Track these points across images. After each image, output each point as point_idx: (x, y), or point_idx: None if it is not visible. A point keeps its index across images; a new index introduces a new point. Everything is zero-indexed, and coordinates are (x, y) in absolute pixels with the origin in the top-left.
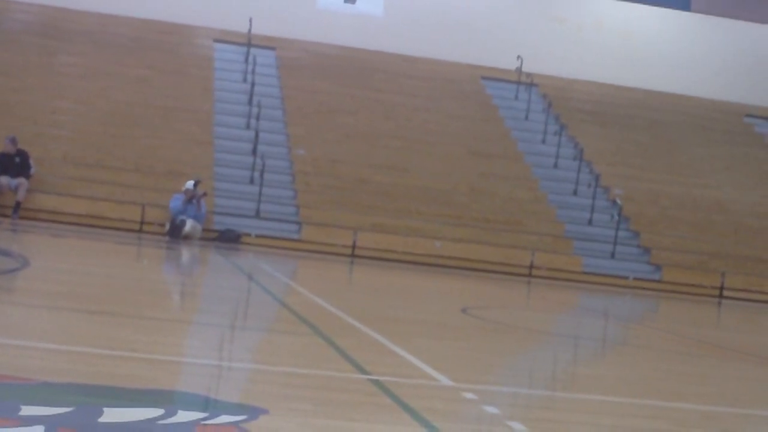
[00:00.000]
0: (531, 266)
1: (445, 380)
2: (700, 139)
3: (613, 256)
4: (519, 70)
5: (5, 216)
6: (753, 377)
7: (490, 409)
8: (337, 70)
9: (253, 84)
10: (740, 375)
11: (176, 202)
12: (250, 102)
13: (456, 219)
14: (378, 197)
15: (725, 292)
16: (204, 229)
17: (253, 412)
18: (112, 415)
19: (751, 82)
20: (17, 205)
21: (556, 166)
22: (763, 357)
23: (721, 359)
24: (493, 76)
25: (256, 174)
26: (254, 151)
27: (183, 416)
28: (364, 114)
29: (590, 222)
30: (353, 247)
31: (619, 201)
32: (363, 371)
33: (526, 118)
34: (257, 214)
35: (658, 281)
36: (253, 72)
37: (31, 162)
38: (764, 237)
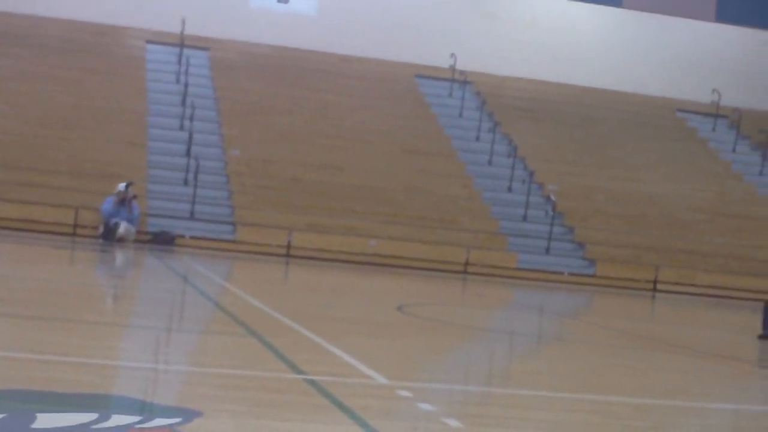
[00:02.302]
0: (466, 263)
1: (380, 378)
2: (633, 135)
3: (547, 251)
4: (453, 68)
5: None
6: (685, 369)
7: (425, 407)
8: (271, 69)
9: (186, 85)
10: (673, 367)
11: (108, 204)
12: (183, 103)
13: (391, 217)
14: (313, 197)
15: (659, 286)
16: (138, 232)
17: (188, 414)
18: (45, 420)
19: (683, 78)
20: None
21: (490, 163)
22: (695, 349)
23: (655, 352)
24: (426, 74)
25: (191, 175)
26: (188, 153)
27: (117, 420)
28: (299, 113)
29: (525, 218)
30: (288, 247)
31: (553, 197)
32: (298, 371)
33: (460, 115)
34: (192, 216)
35: (593, 276)
36: (187, 73)
37: None
38: (696, 230)
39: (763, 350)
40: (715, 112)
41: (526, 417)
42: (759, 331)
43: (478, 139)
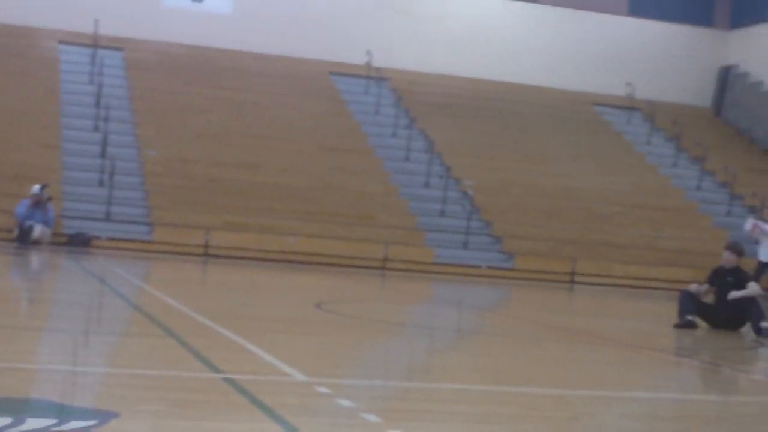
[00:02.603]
0: (384, 259)
1: (299, 376)
2: (549, 128)
3: (465, 246)
4: (368, 65)
5: None
6: (603, 360)
7: (345, 403)
8: (186, 69)
9: (100, 85)
10: (590, 358)
11: (22, 207)
12: (97, 104)
13: (308, 215)
14: (230, 195)
15: (576, 278)
16: (53, 234)
17: (104, 416)
18: None
19: (598, 72)
20: None
21: (407, 159)
22: (612, 339)
23: (573, 343)
24: (342, 72)
25: (106, 176)
26: (103, 154)
27: (32, 424)
28: (215, 113)
29: (442, 213)
30: (206, 246)
31: (470, 192)
32: (216, 370)
33: (377, 112)
34: (108, 217)
35: (511, 269)
36: (101, 73)
37: None
38: (613, 222)
39: (678, 339)
40: (629, 105)
41: (445, 410)
42: (674, 320)
43: (394, 135)
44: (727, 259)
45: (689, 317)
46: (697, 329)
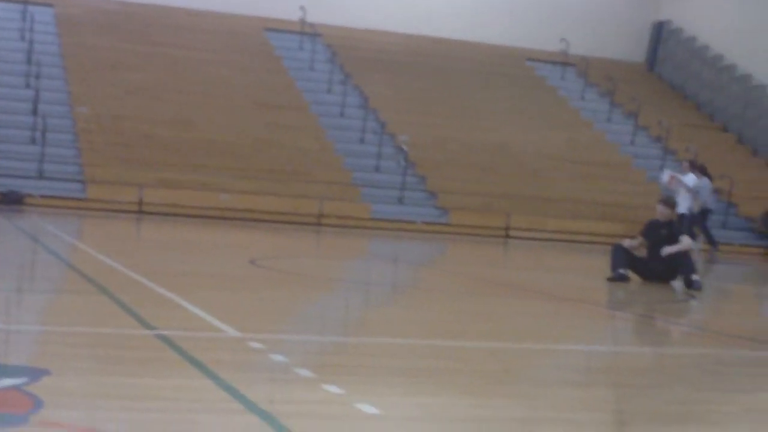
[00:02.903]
0: (319, 215)
1: (232, 331)
2: (483, 84)
3: (400, 201)
4: (302, 21)
5: None
6: (536, 313)
7: (278, 358)
8: (118, 25)
9: (31, 42)
10: (524, 311)
11: None
12: (28, 61)
13: (243, 171)
14: (164, 152)
15: (511, 232)
16: None
17: (36, 373)
18: None
19: (531, 27)
20: None
21: (342, 115)
22: (546, 293)
23: (507, 297)
24: (276, 28)
25: (38, 134)
26: (35, 111)
27: None
28: (147, 69)
29: (377, 169)
30: (140, 203)
31: (405, 147)
32: (149, 327)
33: (311, 68)
34: (40, 175)
35: (446, 224)
36: (31, 30)
37: None
38: (546, 177)
39: (611, 292)
40: (563, 61)
41: (379, 365)
42: (608, 273)
43: (329, 91)
44: (661, 212)
45: (621, 270)
46: (630, 282)
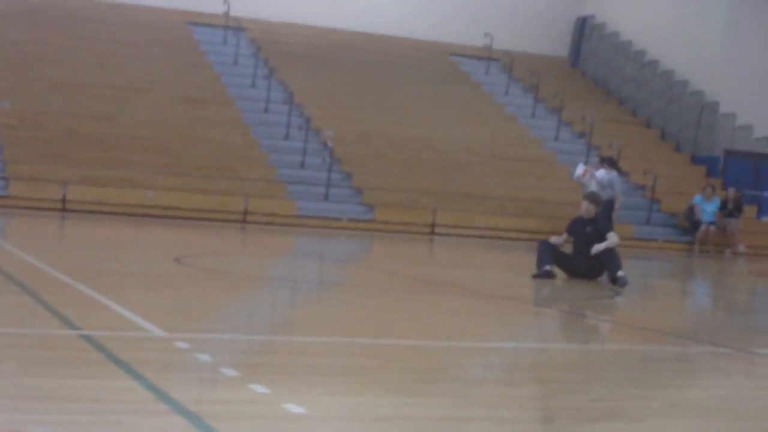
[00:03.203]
0: (245, 212)
1: (157, 331)
2: (407, 79)
3: (326, 198)
4: (226, 15)
5: None
6: (462, 310)
7: (203, 357)
8: (41, 19)
9: None
10: (450, 308)
11: None
12: None
13: (168, 167)
14: (88, 149)
15: (437, 229)
16: None
17: None
18: None
19: (456, 22)
20: None
21: (266, 110)
22: (473, 290)
23: (434, 294)
24: (200, 22)
25: None
26: None
27: None
28: (71, 63)
29: (303, 165)
30: (63, 201)
31: (330, 143)
32: (73, 327)
33: (235, 63)
34: None
35: (372, 221)
36: None
37: None
38: (472, 173)
39: (537, 289)
40: (487, 56)
41: (306, 364)
42: (534, 270)
43: (254, 86)
44: (586, 209)
45: (547, 267)
46: (555, 279)
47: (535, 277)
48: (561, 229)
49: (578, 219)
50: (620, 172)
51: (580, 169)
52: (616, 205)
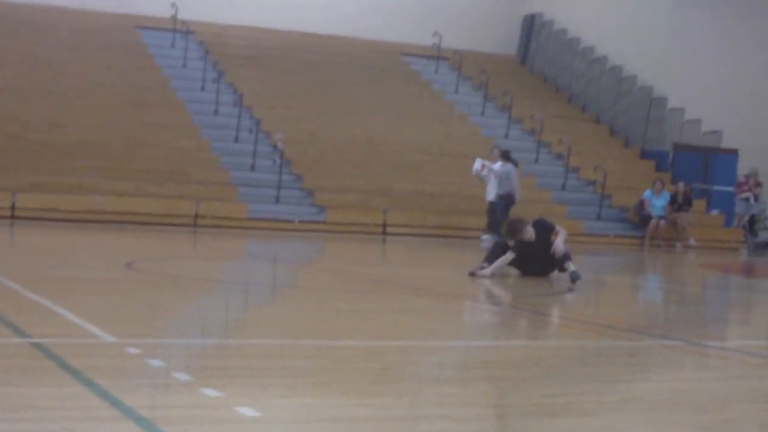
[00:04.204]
0: (196, 216)
1: (108, 337)
2: (358, 79)
3: (277, 200)
4: (174, 18)
5: None
6: (414, 309)
7: (155, 363)
8: None
9: None
10: (402, 308)
11: None
12: None
13: (117, 172)
14: (36, 155)
15: (388, 229)
16: None
17: None
18: None
19: (406, 22)
20: None
21: (216, 113)
22: (425, 289)
23: (385, 294)
24: (148, 25)
25: None
26: None
27: None
28: (15, 69)
29: (253, 168)
30: (12, 208)
31: (280, 145)
32: (23, 334)
33: (184, 66)
34: None
35: (323, 222)
36: None
37: None
38: (423, 172)
39: (489, 287)
40: (436, 55)
41: (259, 366)
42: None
43: (203, 89)
44: (531, 234)
45: (484, 264)
46: (501, 277)
47: (471, 275)
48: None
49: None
50: (515, 164)
51: (477, 164)
52: (505, 193)
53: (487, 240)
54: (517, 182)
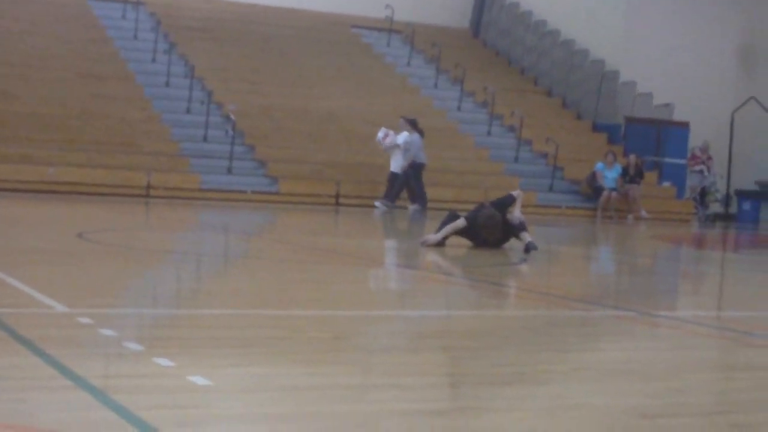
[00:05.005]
0: (148, 187)
1: (59, 307)
2: (309, 51)
3: (230, 171)
4: None
5: None
6: (366, 279)
7: (107, 332)
8: None
9: None
10: (355, 278)
11: None
12: None
13: (69, 144)
14: None
15: (341, 200)
16: None
17: None
18: None
19: None
20: None
21: (167, 84)
22: (376, 259)
23: (337, 265)
24: None
25: None
26: None
27: None
28: None
29: (205, 139)
30: None
31: (232, 116)
32: None
33: (135, 37)
34: None
35: (276, 193)
36: None
37: None
38: (375, 144)
39: (442, 257)
40: (388, 28)
41: (211, 336)
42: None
43: (154, 60)
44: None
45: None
46: (446, 246)
47: (423, 244)
48: (464, 197)
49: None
50: (422, 133)
51: (381, 133)
52: (405, 166)
53: (415, 209)
54: (422, 151)
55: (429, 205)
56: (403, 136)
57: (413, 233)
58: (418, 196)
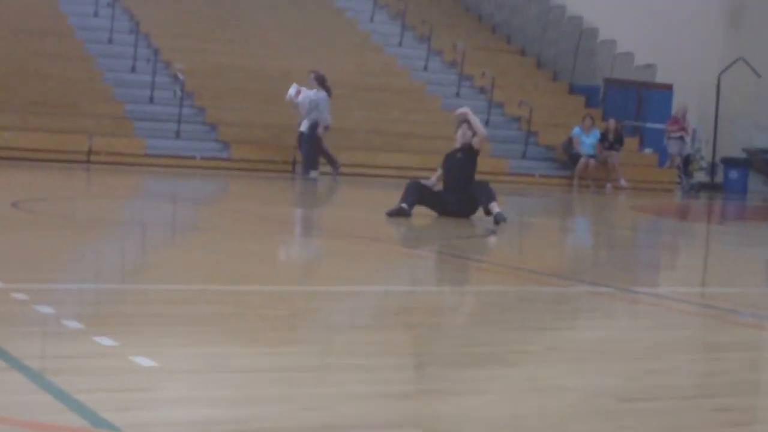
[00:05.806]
0: (89, 152)
1: None
2: (265, 5)
3: (177, 135)
4: None
5: None
6: (325, 252)
7: (45, 309)
8: None
9: None
10: (313, 251)
11: None
12: None
13: (3, 105)
14: None
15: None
16: None
17: None
18: None
19: None
20: None
21: (110, 41)
22: (337, 231)
23: (293, 237)
24: None
25: None
26: None
27: None
28: None
29: (151, 100)
30: None
31: (181, 76)
32: None
33: None
34: None
35: (227, 159)
36: None
37: None
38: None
39: (406, 229)
40: None
41: (156, 313)
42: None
43: (96, 15)
44: (463, 134)
45: (403, 205)
46: (411, 217)
47: (388, 214)
48: (431, 164)
49: (450, 152)
50: (329, 92)
51: (293, 90)
52: (319, 129)
53: (315, 174)
54: (328, 112)
55: (395, 173)
56: (312, 93)
57: (376, 204)
58: (313, 159)
